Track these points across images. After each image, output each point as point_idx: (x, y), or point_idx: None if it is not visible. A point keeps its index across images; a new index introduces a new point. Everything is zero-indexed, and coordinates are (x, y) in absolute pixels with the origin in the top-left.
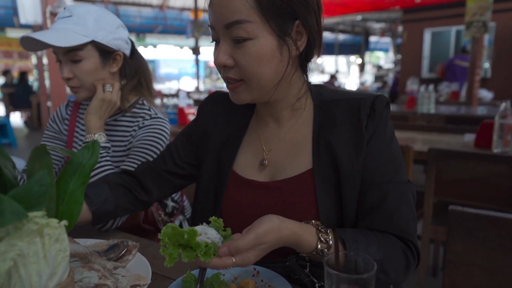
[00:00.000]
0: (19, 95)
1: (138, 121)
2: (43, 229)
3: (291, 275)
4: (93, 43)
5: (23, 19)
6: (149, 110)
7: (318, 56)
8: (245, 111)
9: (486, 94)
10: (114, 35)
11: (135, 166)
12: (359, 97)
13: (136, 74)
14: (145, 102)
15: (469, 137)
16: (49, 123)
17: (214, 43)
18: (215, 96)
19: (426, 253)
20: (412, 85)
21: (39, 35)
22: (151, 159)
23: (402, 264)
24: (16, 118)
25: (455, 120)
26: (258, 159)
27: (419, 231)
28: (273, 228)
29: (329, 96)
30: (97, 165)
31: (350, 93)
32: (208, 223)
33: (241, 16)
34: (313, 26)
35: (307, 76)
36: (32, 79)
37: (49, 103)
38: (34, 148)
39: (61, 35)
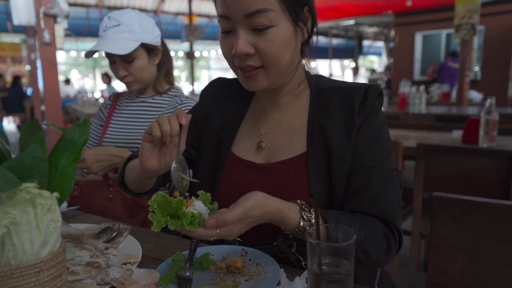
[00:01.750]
0: (12, 99)
1: (176, 100)
2: (36, 199)
3: (279, 254)
4: (142, 44)
5: (16, 20)
6: (182, 93)
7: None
8: (244, 97)
9: (476, 95)
10: (154, 34)
11: None
12: (353, 86)
13: (165, 63)
14: (178, 88)
15: (457, 134)
16: (96, 112)
17: (211, 35)
18: (217, 82)
19: (417, 248)
20: (404, 87)
21: (104, 47)
22: None
23: (383, 246)
24: (10, 123)
25: (446, 120)
26: (256, 142)
27: (409, 226)
28: (259, 204)
29: (325, 84)
30: None
31: (346, 82)
32: (197, 196)
33: (264, 5)
34: (316, 11)
35: (305, 61)
36: (26, 86)
37: (42, 107)
38: (27, 122)
39: (119, 44)
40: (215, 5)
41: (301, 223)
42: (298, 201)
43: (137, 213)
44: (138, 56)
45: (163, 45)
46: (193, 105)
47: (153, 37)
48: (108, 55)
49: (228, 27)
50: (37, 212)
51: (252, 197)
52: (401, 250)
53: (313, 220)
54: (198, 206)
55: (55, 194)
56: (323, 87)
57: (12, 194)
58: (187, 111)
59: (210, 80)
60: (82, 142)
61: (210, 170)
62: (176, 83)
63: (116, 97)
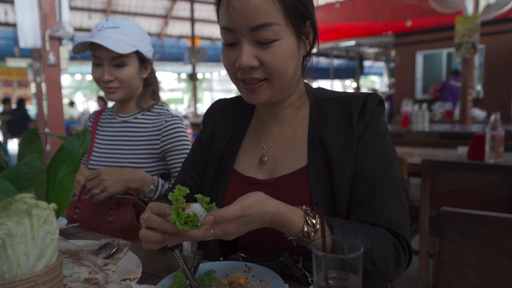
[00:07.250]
0: (17, 122)
1: (161, 119)
2: (32, 210)
3: (284, 270)
4: (137, 52)
5: (23, 43)
6: (167, 110)
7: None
8: (246, 113)
9: (479, 113)
10: (149, 46)
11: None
12: (352, 95)
13: (152, 83)
14: (163, 104)
15: (462, 150)
16: None
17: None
18: (218, 102)
19: (426, 268)
20: (406, 106)
21: (100, 41)
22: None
23: (392, 257)
24: (14, 145)
25: (449, 137)
26: (258, 156)
27: (416, 245)
28: (258, 202)
29: (324, 95)
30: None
31: (345, 92)
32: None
33: (269, 19)
34: (317, 24)
35: (304, 73)
36: (31, 108)
37: (47, 130)
38: (25, 131)
39: (115, 43)
40: (218, 17)
41: (305, 228)
42: (304, 206)
43: (136, 237)
44: (130, 63)
45: (151, 68)
46: (180, 124)
47: (148, 49)
48: (95, 56)
49: (232, 40)
50: (33, 223)
51: (251, 195)
52: (408, 270)
53: (318, 226)
54: (195, 208)
55: (52, 205)
56: (321, 98)
57: (8, 204)
58: (174, 132)
59: (212, 101)
60: (81, 152)
61: (214, 188)
62: (178, 105)
63: (97, 115)
